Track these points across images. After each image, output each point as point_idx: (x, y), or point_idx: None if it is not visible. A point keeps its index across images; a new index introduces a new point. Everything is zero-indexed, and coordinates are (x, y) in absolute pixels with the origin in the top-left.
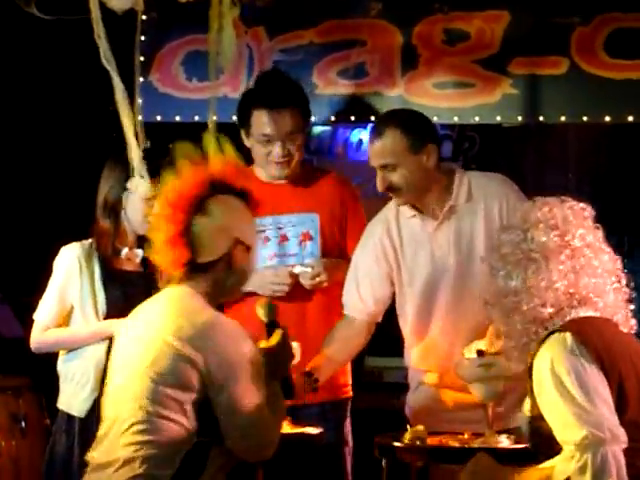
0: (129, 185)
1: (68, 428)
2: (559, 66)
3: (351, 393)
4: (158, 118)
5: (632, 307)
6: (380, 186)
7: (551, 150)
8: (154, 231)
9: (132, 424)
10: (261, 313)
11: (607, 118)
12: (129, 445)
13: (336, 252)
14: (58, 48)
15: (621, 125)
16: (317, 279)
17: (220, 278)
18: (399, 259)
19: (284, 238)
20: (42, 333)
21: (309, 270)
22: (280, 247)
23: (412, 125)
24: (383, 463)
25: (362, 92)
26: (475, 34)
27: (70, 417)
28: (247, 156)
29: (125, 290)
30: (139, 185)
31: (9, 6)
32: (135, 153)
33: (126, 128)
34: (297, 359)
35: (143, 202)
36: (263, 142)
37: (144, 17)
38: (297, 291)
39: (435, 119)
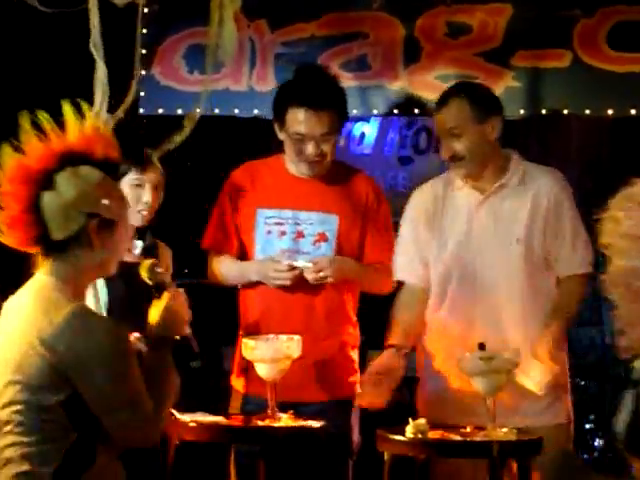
0: None
1: None
2: (562, 59)
3: (359, 390)
4: (160, 111)
5: None
6: (445, 154)
7: (553, 143)
8: None
9: (9, 428)
10: (145, 276)
11: (610, 111)
12: (10, 446)
13: (353, 254)
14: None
15: (624, 118)
16: (320, 274)
17: (80, 257)
18: (434, 230)
19: (300, 235)
20: None
21: (310, 265)
22: (294, 243)
23: (478, 95)
24: (385, 456)
25: (364, 85)
26: (478, 27)
27: None
28: (278, 146)
29: (126, 281)
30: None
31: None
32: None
33: (97, 106)
34: (299, 352)
35: (130, 190)
36: (296, 139)
37: (145, 10)
38: (306, 284)
39: None
